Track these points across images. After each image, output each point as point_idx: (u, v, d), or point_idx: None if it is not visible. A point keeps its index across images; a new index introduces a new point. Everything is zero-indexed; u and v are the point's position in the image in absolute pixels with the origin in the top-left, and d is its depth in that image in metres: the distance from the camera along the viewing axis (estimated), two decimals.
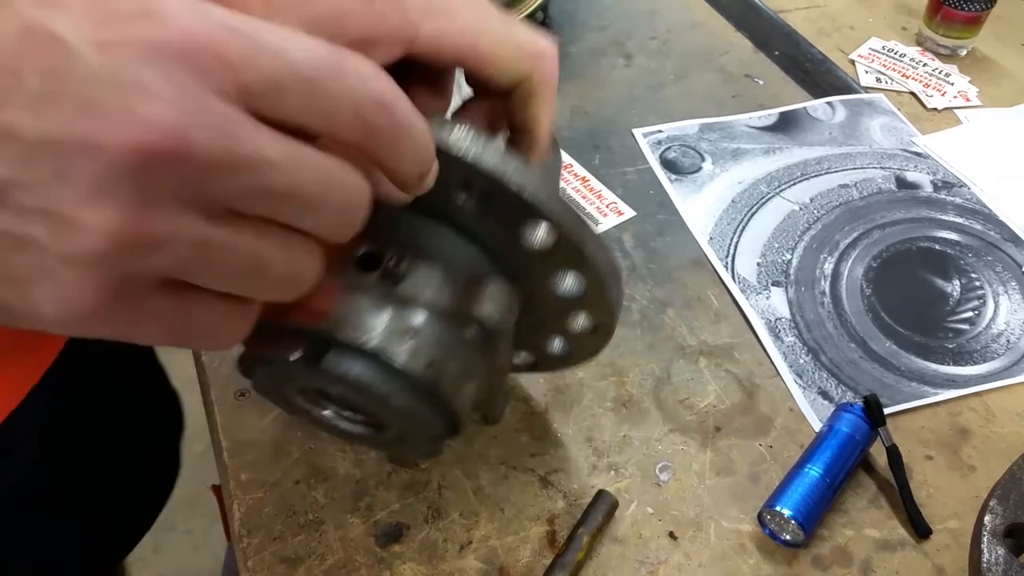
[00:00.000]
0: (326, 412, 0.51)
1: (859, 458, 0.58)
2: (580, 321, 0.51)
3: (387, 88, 0.30)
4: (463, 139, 0.42)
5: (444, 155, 0.42)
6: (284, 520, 0.55)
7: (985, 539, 0.49)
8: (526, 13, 0.93)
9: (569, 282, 0.47)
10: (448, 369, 0.44)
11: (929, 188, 0.81)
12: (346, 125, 0.29)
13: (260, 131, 0.27)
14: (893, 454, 0.58)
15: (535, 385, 0.63)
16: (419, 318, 0.43)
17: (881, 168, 0.83)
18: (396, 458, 0.58)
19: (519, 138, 0.46)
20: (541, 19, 0.99)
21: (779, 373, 0.65)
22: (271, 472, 0.57)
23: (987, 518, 0.50)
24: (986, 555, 0.48)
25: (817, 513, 0.55)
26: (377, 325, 0.43)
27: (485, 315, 0.44)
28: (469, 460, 0.58)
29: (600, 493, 0.55)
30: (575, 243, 0.44)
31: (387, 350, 0.42)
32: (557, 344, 0.55)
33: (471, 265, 0.46)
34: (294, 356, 0.42)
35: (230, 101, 0.26)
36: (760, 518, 0.56)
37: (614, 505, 0.55)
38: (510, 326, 0.45)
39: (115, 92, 0.24)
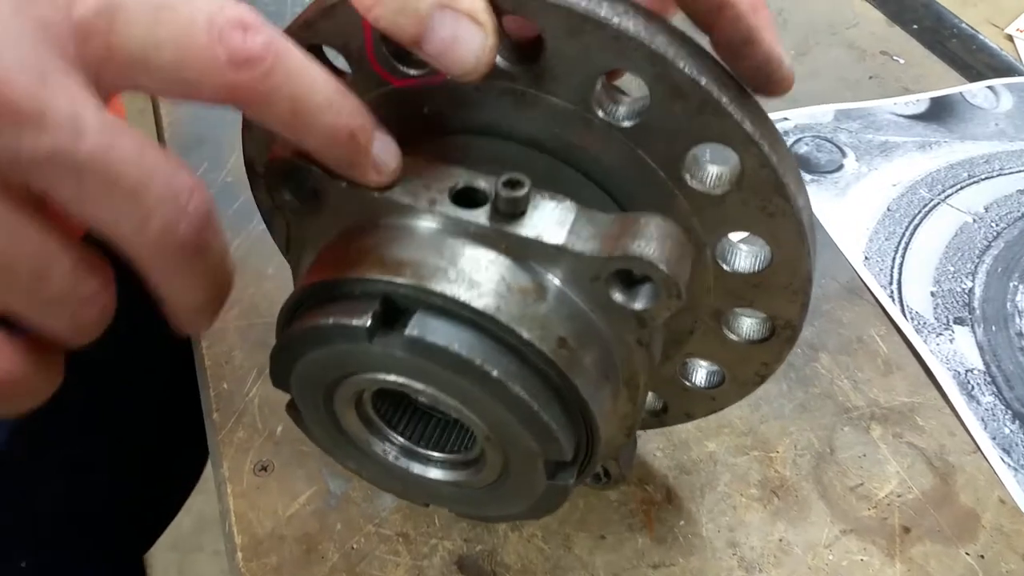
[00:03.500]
0: (391, 446, 0.37)
1: None
2: (746, 323, 0.37)
3: (244, 10, 0.25)
4: (614, 8, 0.28)
5: (588, 25, 0.28)
6: None
7: None
8: None
9: (746, 250, 0.33)
10: (586, 350, 0.31)
11: None
12: (199, 45, 0.24)
13: (84, 97, 0.23)
14: None
15: (652, 460, 0.47)
16: (548, 273, 0.30)
17: None
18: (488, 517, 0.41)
19: (741, 64, 0.30)
20: None
21: (979, 448, 0.48)
22: None
23: None
24: None
25: None
26: (487, 279, 0.29)
27: (645, 257, 0.28)
28: (568, 571, 0.43)
29: None
30: (772, 177, 0.30)
31: (503, 314, 0.29)
32: (702, 372, 0.40)
33: (607, 209, 0.32)
34: (361, 320, 0.29)
35: (64, 57, 0.23)
36: None
37: None
38: (681, 284, 0.29)
39: None
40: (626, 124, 0.31)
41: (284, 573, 0.42)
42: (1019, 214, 0.62)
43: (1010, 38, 0.81)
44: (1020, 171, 0.66)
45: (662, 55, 0.28)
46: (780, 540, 0.44)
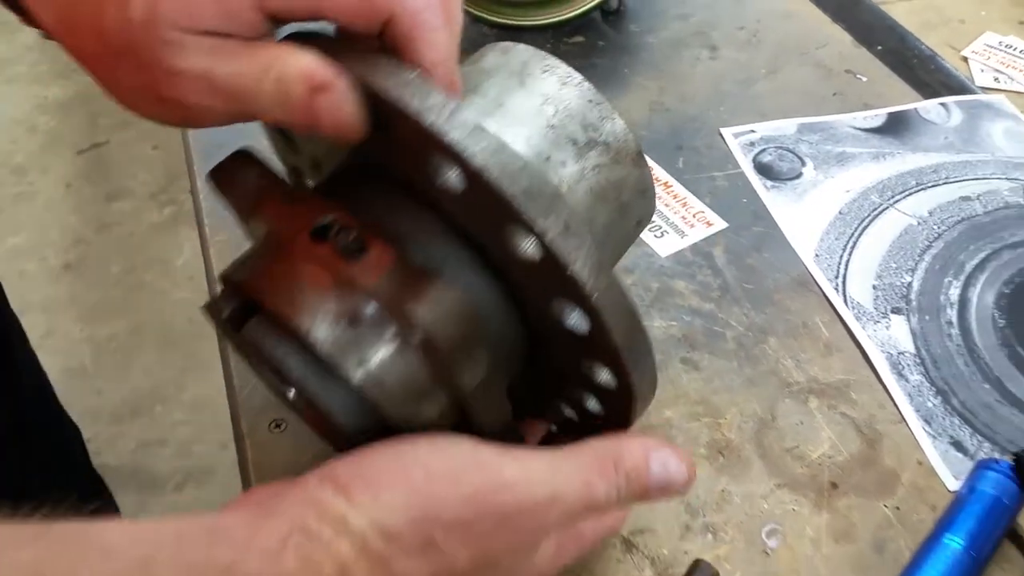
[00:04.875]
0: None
1: (1007, 527, 0.49)
2: (604, 374, 0.39)
3: None
4: (429, 103, 0.33)
5: (406, 120, 0.33)
6: None
7: None
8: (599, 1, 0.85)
9: (574, 315, 0.36)
10: (391, 371, 0.35)
11: None
12: None
13: None
14: None
15: None
16: (362, 304, 0.35)
17: (1007, 179, 0.73)
18: None
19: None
20: (616, 6, 0.90)
21: (904, 418, 0.55)
22: None
23: None
24: None
25: None
26: (308, 301, 0.35)
27: (416, 317, 0.35)
28: None
29: (697, 563, 0.46)
30: (558, 261, 0.34)
31: (311, 332, 0.35)
32: (593, 402, 0.42)
33: (449, 260, 0.37)
34: (224, 313, 0.37)
35: None
36: None
37: None
38: (451, 342, 0.35)
39: None
40: (457, 192, 0.34)
41: None
42: (959, 218, 0.69)
43: (965, 60, 0.88)
44: (963, 180, 0.72)
45: (458, 152, 0.33)
46: (723, 491, 0.51)
